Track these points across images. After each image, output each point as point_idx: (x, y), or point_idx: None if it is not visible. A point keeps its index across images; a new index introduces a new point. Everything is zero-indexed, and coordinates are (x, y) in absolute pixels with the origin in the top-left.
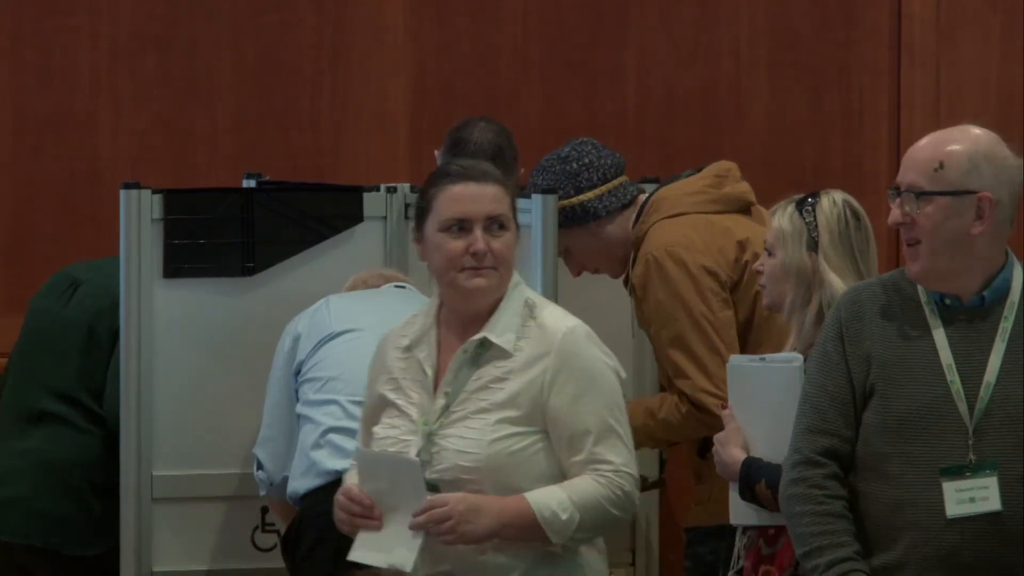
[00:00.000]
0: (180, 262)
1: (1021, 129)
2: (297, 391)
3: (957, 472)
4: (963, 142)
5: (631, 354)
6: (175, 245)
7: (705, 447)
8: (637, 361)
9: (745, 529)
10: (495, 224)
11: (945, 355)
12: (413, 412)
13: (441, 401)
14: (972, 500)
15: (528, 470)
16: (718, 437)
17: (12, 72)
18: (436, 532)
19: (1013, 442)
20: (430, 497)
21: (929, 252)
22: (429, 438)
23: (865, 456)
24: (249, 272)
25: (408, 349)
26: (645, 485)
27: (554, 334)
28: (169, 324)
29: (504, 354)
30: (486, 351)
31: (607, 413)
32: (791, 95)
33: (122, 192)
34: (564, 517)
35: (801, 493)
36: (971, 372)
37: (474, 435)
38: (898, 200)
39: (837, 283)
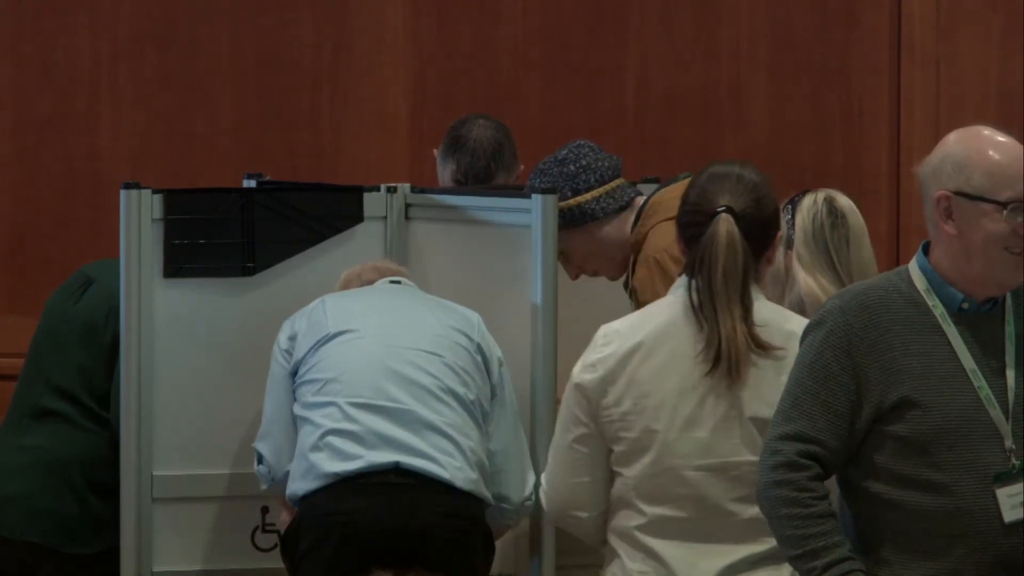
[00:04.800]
0: (180, 262)
1: (1021, 129)
2: (295, 392)
3: (1006, 478)
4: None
5: None
6: (175, 245)
7: None
8: None
9: None
10: None
11: (967, 361)
12: None
13: None
14: (1023, 504)
15: None
16: None
17: (12, 72)
18: None
19: None
20: None
21: None
22: None
23: (894, 465)
24: (249, 272)
25: None
26: None
27: None
28: (169, 324)
29: None
30: None
31: None
32: (791, 95)
33: (122, 192)
34: None
35: (787, 496)
36: (992, 377)
37: None
38: None
39: (803, 282)
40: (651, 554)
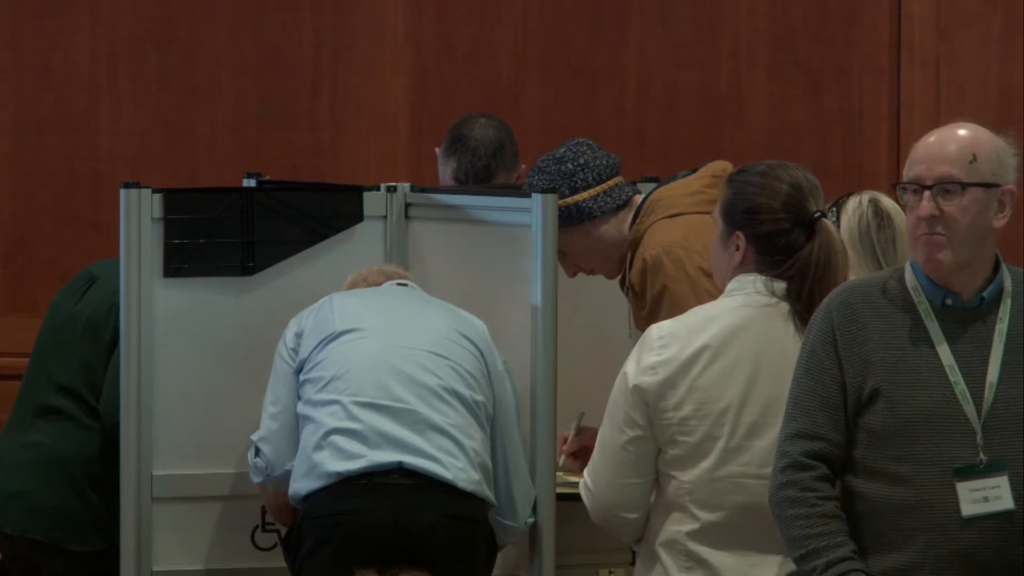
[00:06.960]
0: (180, 262)
1: (1021, 129)
2: (299, 390)
3: (969, 472)
4: (983, 137)
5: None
6: (175, 245)
7: None
8: None
9: None
10: None
11: (946, 356)
12: None
13: None
14: (986, 499)
15: None
16: None
17: (12, 72)
18: None
19: (1019, 442)
20: None
21: (958, 244)
22: None
23: (867, 458)
24: (249, 272)
25: None
26: None
27: None
28: (169, 324)
29: None
30: None
31: None
32: (791, 95)
33: (122, 192)
34: None
35: (792, 496)
36: (973, 373)
37: None
38: (927, 193)
39: None
40: (700, 562)
